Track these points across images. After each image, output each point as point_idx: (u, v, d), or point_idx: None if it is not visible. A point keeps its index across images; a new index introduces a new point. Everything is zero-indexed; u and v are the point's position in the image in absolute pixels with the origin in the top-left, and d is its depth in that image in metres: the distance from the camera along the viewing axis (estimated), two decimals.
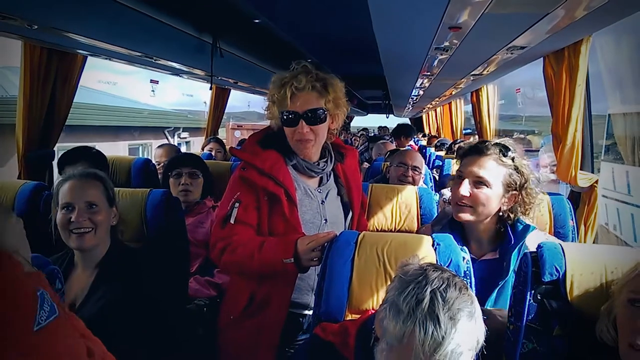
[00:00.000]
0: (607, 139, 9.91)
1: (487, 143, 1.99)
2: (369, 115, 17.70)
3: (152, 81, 4.82)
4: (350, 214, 2.25)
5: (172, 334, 2.06)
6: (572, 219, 2.47)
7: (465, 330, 1.18)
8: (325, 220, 2.13)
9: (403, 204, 2.82)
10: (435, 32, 2.39)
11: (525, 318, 1.61)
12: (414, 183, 3.23)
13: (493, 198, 1.93)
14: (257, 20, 3.78)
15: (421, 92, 6.00)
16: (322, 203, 2.14)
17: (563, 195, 2.55)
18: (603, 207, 9.27)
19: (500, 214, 1.98)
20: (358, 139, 10.77)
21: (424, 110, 11.87)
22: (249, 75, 5.36)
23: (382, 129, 14.45)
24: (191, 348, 2.22)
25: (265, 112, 2.17)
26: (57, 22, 2.53)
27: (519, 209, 1.96)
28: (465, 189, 1.95)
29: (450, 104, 8.44)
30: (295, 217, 2.03)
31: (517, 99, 5.05)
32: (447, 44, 2.65)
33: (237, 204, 2.01)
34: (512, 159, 1.94)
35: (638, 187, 8.46)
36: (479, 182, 1.94)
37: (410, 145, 6.63)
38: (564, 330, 1.57)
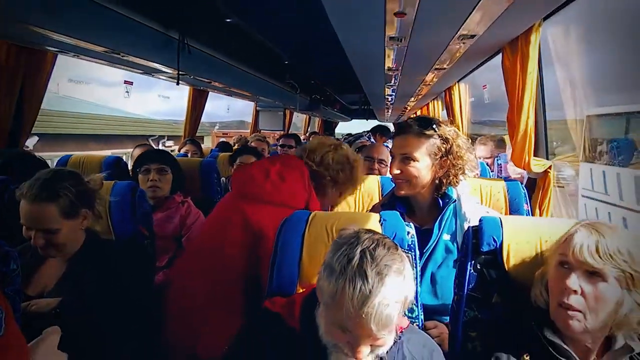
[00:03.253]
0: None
1: (409, 121, 2.14)
2: (353, 120, 17.74)
3: (126, 82, 4.82)
4: None
5: (138, 323, 2.07)
6: (527, 203, 2.55)
7: (392, 285, 1.25)
8: None
9: (366, 193, 2.88)
10: (384, 19, 2.46)
11: (466, 287, 1.68)
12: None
13: (422, 169, 2.08)
14: (228, 20, 3.81)
15: (394, 91, 6.08)
16: None
17: (518, 181, 2.63)
18: (582, 206, 9.42)
19: (437, 181, 2.11)
20: None
21: (404, 114, 11.96)
22: (224, 75, 5.35)
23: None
24: (158, 338, 2.23)
25: None
26: (17, 13, 2.52)
27: (451, 171, 2.08)
28: (395, 166, 2.12)
29: (427, 105, 8.54)
30: None
31: (488, 108, 5.16)
32: (398, 33, 2.73)
33: None
34: (434, 129, 2.07)
35: (614, 186, 8.60)
36: (406, 158, 2.09)
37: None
38: (502, 297, 1.64)
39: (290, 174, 2.22)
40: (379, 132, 6.23)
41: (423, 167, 2.07)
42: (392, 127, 15.77)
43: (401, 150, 2.11)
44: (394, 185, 2.21)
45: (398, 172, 2.11)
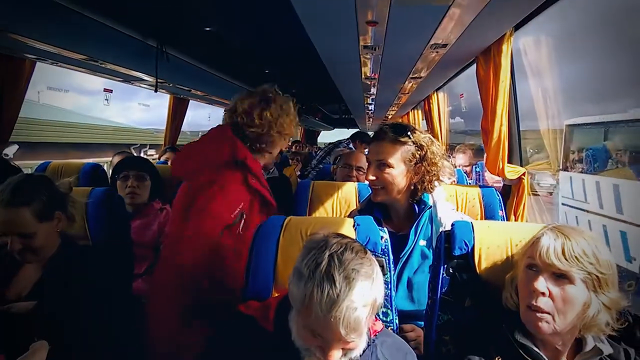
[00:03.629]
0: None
1: (384, 127, 2.18)
2: (335, 130, 17.76)
3: (105, 90, 4.79)
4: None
5: (114, 329, 2.03)
6: (502, 210, 2.59)
7: (360, 289, 1.26)
8: None
9: (343, 199, 2.91)
10: (357, 28, 2.50)
11: (439, 291, 1.70)
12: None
13: (398, 175, 2.10)
14: (208, 28, 3.81)
15: (373, 100, 6.12)
16: None
17: (493, 188, 2.67)
18: (563, 215, 9.54)
19: (412, 188, 2.14)
20: None
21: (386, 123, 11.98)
22: (203, 83, 5.33)
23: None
24: (134, 344, 2.21)
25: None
26: None
27: (426, 177, 2.11)
28: (371, 173, 2.15)
29: (408, 114, 8.61)
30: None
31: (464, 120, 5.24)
32: (372, 42, 2.77)
33: (244, 215, 2.16)
34: (409, 136, 2.10)
35: (593, 194, 8.73)
36: (381, 164, 2.12)
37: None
38: (473, 300, 1.67)
39: (208, 140, 2.30)
40: (359, 138, 6.17)
41: (398, 173, 2.10)
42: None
43: (377, 157, 2.14)
44: (369, 191, 2.23)
45: (374, 178, 2.14)
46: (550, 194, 10.52)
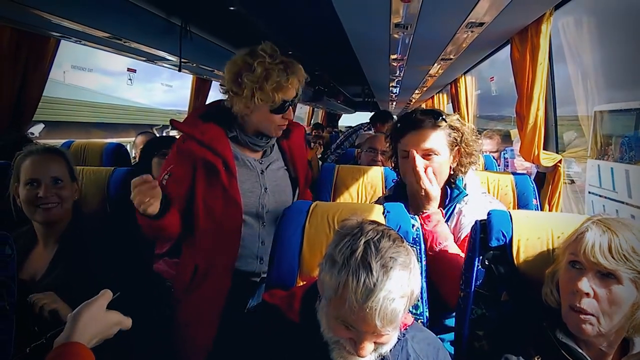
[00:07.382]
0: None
1: (415, 116, 1.98)
2: (357, 112, 17.67)
3: (129, 70, 4.77)
4: (297, 189, 2.32)
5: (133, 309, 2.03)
6: (536, 198, 2.49)
7: (397, 278, 1.20)
8: (265, 188, 2.18)
9: (369, 184, 2.84)
10: (389, 4, 2.39)
11: (473, 284, 1.62)
12: None
13: (444, 163, 1.96)
14: (232, 8, 3.75)
15: (398, 83, 6.02)
16: (261, 173, 2.19)
17: (526, 175, 2.57)
18: (590, 203, 9.36)
19: (451, 172, 2.00)
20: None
21: (409, 107, 11.87)
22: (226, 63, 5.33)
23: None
24: (156, 326, 2.18)
25: (230, 94, 2.09)
26: None
27: (464, 160, 1.99)
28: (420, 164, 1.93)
29: (432, 98, 8.47)
30: (234, 187, 2.07)
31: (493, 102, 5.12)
32: (404, 20, 2.66)
33: (167, 176, 2.07)
34: (444, 119, 1.96)
35: (622, 183, 8.55)
36: (426, 154, 1.93)
37: None
38: (511, 295, 1.59)
39: None
40: (379, 120, 6.00)
41: (444, 160, 1.95)
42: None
43: (424, 146, 1.93)
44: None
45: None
46: (573, 182, 10.29)
